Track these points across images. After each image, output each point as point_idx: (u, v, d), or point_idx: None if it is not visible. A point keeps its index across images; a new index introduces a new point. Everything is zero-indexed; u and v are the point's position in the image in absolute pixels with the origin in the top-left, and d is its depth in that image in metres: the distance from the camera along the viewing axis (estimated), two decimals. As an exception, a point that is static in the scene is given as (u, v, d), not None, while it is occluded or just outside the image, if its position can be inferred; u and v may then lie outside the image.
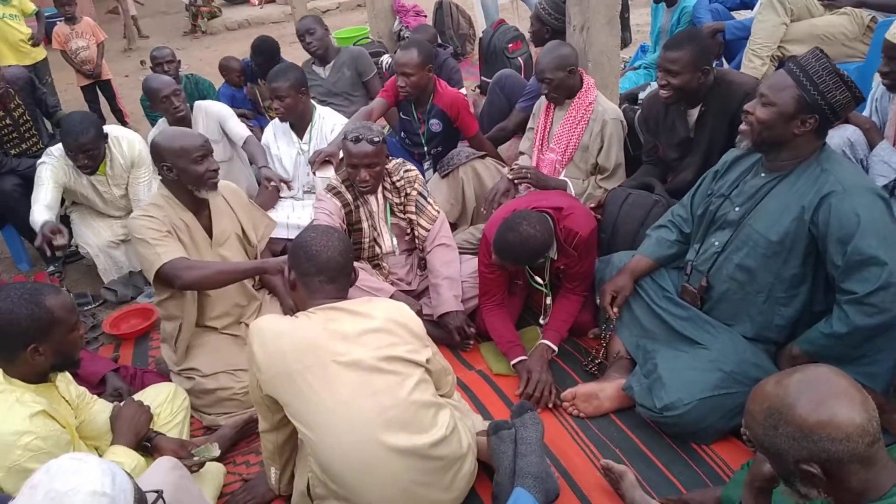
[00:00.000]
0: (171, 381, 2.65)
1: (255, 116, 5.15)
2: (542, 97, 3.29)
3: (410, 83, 3.49)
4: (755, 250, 2.21)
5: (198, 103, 3.97)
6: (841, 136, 2.60)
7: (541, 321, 2.83)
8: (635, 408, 2.34)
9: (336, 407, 1.78)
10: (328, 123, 3.69)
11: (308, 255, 1.92)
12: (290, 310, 2.80)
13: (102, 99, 6.42)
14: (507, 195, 3.14)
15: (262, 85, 5.17)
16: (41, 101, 4.42)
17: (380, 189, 2.95)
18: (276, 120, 3.77)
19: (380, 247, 3.01)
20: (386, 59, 5.40)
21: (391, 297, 2.81)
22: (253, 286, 2.97)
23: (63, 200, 3.79)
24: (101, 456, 1.91)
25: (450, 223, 3.22)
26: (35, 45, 5.94)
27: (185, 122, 3.76)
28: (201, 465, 2.14)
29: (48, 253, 3.28)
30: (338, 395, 1.78)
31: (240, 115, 4.24)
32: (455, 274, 2.92)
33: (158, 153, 2.58)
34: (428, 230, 2.96)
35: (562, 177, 3.24)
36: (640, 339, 2.50)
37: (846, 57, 3.68)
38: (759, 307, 2.25)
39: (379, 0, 6.59)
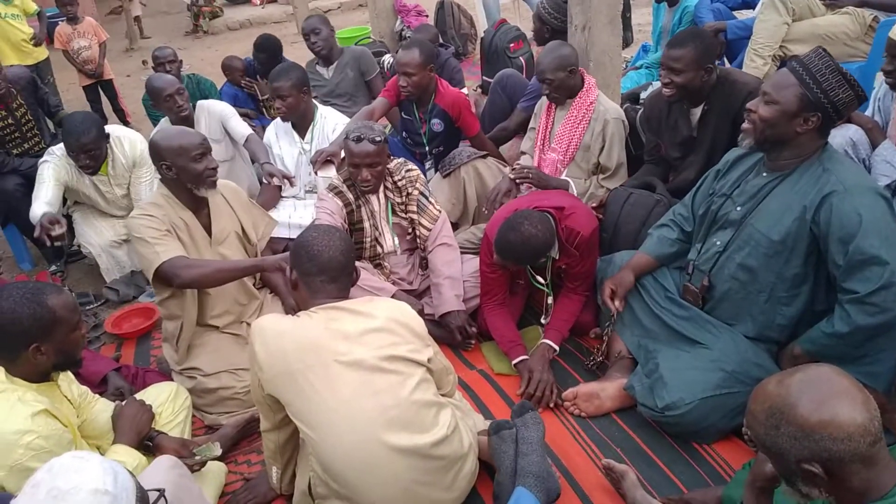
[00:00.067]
0: (172, 380, 2.65)
1: (258, 116, 5.16)
2: (544, 97, 3.29)
3: (412, 83, 3.49)
4: (757, 250, 2.21)
5: (200, 102, 3.97)
6: (843, 136, 2.60)
7: (542, 321, 2.83)
8: (637, 407, 2.34)
9: (338, 406, 1.78)
10: (330, 123, 3.70)
11: (310, 255, 1.92)
12: (291, 309, 2.81)
13: (104, 99, 6.42)
14: (508, 195, 3.14)
15: (260, 81, 5.18)
16: (43, 100, 4.42)
17: (381, 188, 2.95)
18: (278, 119, 3.77)
19: (381, 246, 3.02)
20: (387, 58, 5.41)
21: (393, 296, 2.81)
22: (254, 285, 2.97)
23: (65, 200, 3.80)
24: (102, 455, 1.91)
25: (451, 223, 3.22)
26: (37, 44, 5.94)
27: (188, 121, 3.76)
28: (203, 464, 2.14)
29: (48, 243, 3.29)
30: (339, 394, 1.79)
31: (242, 115, 4.24)
32: (456, 273, 2.92)
33: (157, 152, 2.59)
34: (429, 230, 2.96)
35: (563, 176, 3.24)
36: (642, 338, 2.50)
37: (848, 57, 3.68)
38: (761, 307, 2.25)
39: (381, 0, 6.59)
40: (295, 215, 3.62)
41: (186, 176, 2.58)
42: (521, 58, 5.02)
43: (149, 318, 3.40)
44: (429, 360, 1.91)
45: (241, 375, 2.60)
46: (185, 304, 2.64)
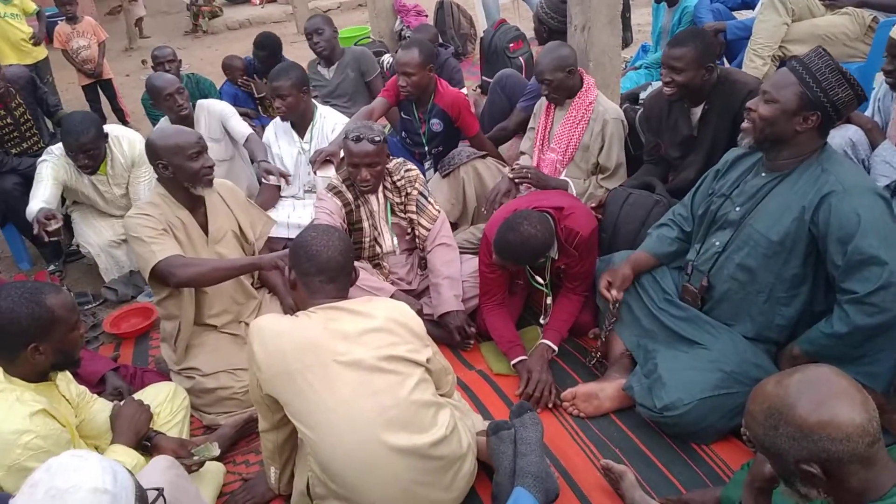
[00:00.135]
0: (170, 380, 2.65)
1: (258, 116, 5.16)
2: (543, 97, 3.29)
3: (411, 83, 3.49)
4: (756, 250, 2.21)
5: (200, 102, 3.97)
6: (843, 136, 2.60)
7: (541, 321, 2.83)
8: (635, 408, 2.34)
9: (336, 406, 1.78)
10: (329, 122, 3.69)
11: (308, 255, 1.91)
12: (290, 309, 2.81)
13: (103, 98, 6.42)
14: (508, 195, 3.14)
15: (257, 80, 5.19)
16: (42, 100, 4.42)
17: (380, 188, 2.95)
18: (278, 119, 3.77)
19: (380, 246, 3.01)
20: (387, 58, 5.41)
21: (392, 296, 2.81)
22: (252, 285, 2.97)
23: (64, 200, 3.80)
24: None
25: (450, 223, 3.22)
26: (36, 44, 5.95)
27: (188, 120, 3.76)
28: (201, 464, 2.14)
29: (45, 239, 3.29)
30: (338, 394, 1.78)
31: (242, 115, 4.24)
32: (455, 273, 2.92)
33: (154, 151, 2.59)
34: (428, 230, 2.96)
35: (563, 176, 3.23)
36: (641, 338, 2.50)
37: (847, 57, 3.68)
38: (760, 307, 2.25)
39: (380, 0, 6.59)
40: (294, 215, 3.62)
41: (183, 175, 2.59)
42: (520, 58, 5.02)
43: (147, 317, 3.39)
44: (428, 360, 1.91)
45: (239, 375, 2.60)
46: (182, 303, 2.64)
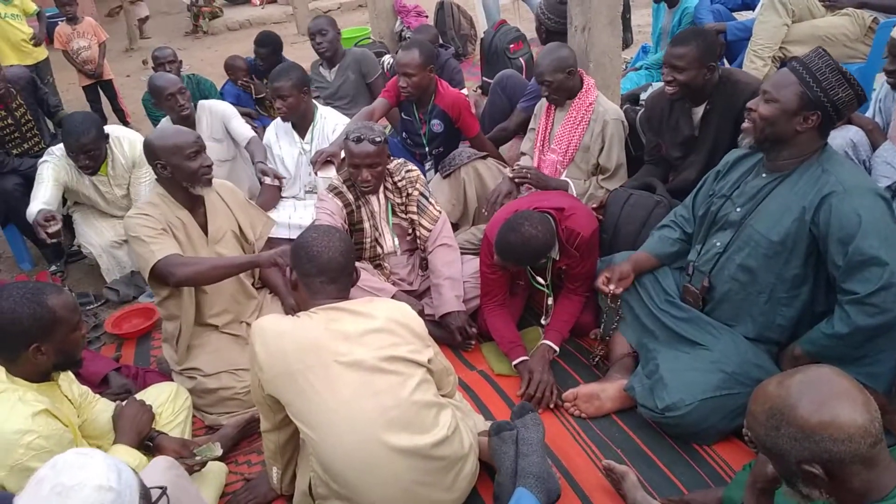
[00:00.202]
0: (172, 380, 2.65)
1: (259, 116, 5.17)
2: (544, 98, 3.30)
3: (412, 83, 3.49)
4: (756, 251, 2.21)
5: (202, 102, 3.97)
6: (844, 137, 2.60)
7: (542, 321, 2.83)
8: (637, 408, 2.34)
9: (338, 407, 1.78)
10: (330, 123, 3.70)
11: (309, 256, 1.92)
12: (291, 309, 2.81)
13: (104, 99, 6.42)
14: (509, 197, 3.14)
15: (256, 80, 5.20)
16: (43, 100, 4.42)
17: (381, 189, 2.95)
18: (278, 120, 3.77)
19: (381, 247, 3.02)
20: (387, 59, 5.41)
21: (393, 297, 2.81)
22: (253, 285, 2.98)
23: (65, 200, 3.80)
24: (103, 455, 1.91)
25: (451, 223, 3.22)
26: (37, 44, 5.95)
27: (189, 120, 3.77)
28: (203, 464, 2.14)
29: (47, 241, 3.29)
30: (340, 395, 1.79)
31: (244, 115, 4.25)
32: (457, 274, 2.92)
33: (152, 151, 2.59)
34: (429, 230, 2.96)
35: (563, 177, 3.24)
36: (642, 338, 2.50)
37: (847, 58, 3.68)
38: (761, 307, 2.25)
39: (380, 0, 6.60)
40: (295, 216, 3.62)
41: (181, 174, 2.59)
42: (520, 59, 5.02)
43: (149, 318, 3.40)
44: (429, 360, 1.91)
45: (241, 376, 2.61)
46: (182, 303, 2.64)
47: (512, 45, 5.06)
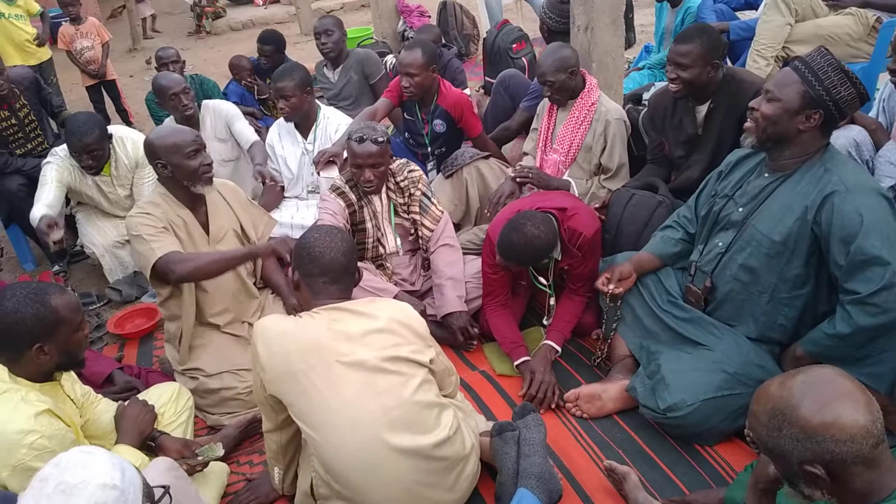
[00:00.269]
0: (174, 380, 2.65)
1: (263, 116, 5.18)
2: (546, 98, 3.29)
3: (414, 83, 3.49)
4: (758, 251, 2.21)
5: (206, 102, 3.98)
6: (847, 137, 2.60)
7: (544, 322, 2.83)
8: (638, 409, 2.34)
9: (340, 407, 1.78)
10: (332, 123, 3.70)
11: (311, 256, 1.92)
12: (293, 309, 2.81)
13: (107, 99, 6.43)
14: (511, 198, 3.14)
15: (259, 80, 5.20)
16: (46, 101, 4.43)
17: (384, 189, 2.95)
18: (281, 120, 3.78)
19: (383, 247, 3.02)
20: (390, 59, 5.41)
21: (395, 297, 2.81)
22: (255, 284, 2.98)
23: (68, 200, 3.81)
24: (105, 455, 1.91)
25: (453, 224, 3.22)
26: (40, 45, 5.96)
27: (193, 120, 3.77)
28: (205, 464, 2.14)
29: (51, 249, 3.30)
30: (342, 395, 1.79)
31: (248, 114, 4.25)
32: (459, 274, 2.92)
33: (152, 151, 2.60)
34: (432, 230, 2.96)
35: (565, 177, 3.24)
36: (644, 340, 2.50)
37: (851, 58, 3.68)
38: (763, 307, 2.25)
39: (383, 0, 6.60)
40: (297, 216, 3.62)
41: (181, 173, 2.60)
42: (523, 58, 5.02)
43: (151, 318, 3.40)
44: (431, 360, 1.91)
45: (243, 376, 2.61)
46: (183, 303, 2.64)
47: (514, 45, 5.06)
